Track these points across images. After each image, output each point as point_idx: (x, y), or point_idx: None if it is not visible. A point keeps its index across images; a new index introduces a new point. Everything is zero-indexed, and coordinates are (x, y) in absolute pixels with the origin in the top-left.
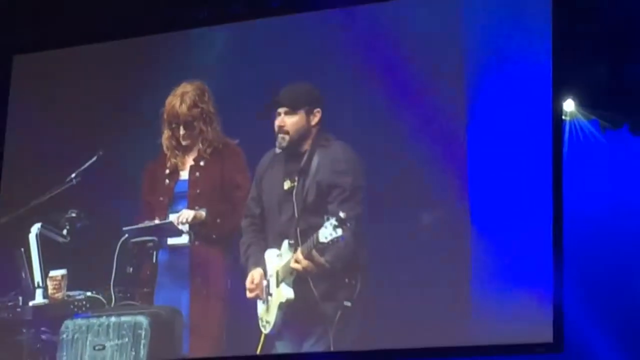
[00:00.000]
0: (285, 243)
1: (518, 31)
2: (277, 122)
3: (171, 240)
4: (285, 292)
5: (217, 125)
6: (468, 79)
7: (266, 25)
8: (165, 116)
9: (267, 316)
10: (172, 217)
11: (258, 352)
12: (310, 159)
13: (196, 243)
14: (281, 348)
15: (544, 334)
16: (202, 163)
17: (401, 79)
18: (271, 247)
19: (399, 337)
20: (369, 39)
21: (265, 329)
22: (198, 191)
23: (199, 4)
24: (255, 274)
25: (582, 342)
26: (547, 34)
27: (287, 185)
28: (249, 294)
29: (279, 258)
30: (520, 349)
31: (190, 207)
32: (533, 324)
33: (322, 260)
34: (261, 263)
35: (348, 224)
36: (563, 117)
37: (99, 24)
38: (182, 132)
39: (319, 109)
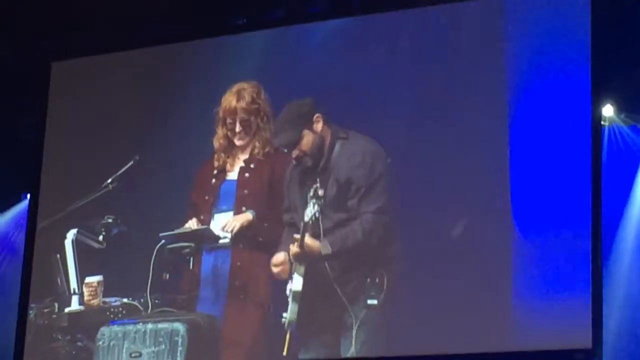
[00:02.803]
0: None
1: (558, 37)
2: (293, 155)
3: (215, 244)
4: (296, 283)
5: (271, 127)
6: (509, 83)
7: (305, 30)
8: (221, 114)
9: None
10: (217, 217)
11: (284, 352)
12: (329, 157)
13: (240, 246)
14: (302, 343)
15: (583, 340)
16: (252, 165)
17: (444, 83)
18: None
19: (431, 342)
20: (413, 43)
21: (285, 326)
22: (246, 192)
23: (238, 11)
24: (279, 255)
25: (621, 348)
26: (586, 39)
27: (308, 188)
28: (274, 270)
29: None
30: (559, 355)
31: (237, 207)
32: (572, 330)
33: (326, 249)
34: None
35: (322, 201)
36: (602, 122)
37: (135, 31)
38: (238, 129)
39: (317, 115)
